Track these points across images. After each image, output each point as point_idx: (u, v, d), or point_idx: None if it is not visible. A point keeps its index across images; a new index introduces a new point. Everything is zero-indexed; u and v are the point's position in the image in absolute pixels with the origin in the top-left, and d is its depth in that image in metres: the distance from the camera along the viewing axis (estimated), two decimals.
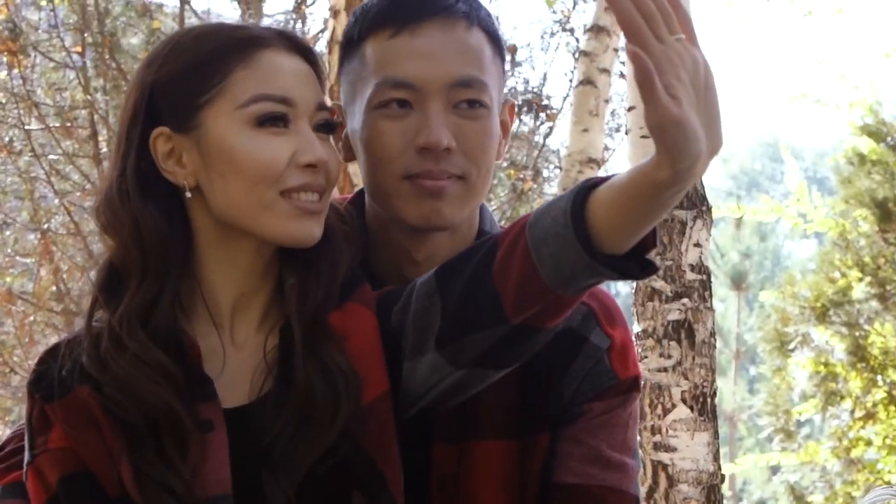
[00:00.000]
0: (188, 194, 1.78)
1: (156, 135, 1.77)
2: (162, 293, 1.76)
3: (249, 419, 1.76)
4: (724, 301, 23.77)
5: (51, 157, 9.40)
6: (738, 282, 22.46)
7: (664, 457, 3.77)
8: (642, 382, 2.16)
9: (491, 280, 1.66)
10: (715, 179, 41.75)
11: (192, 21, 9.60)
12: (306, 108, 1.78)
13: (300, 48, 1.83)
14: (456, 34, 1.92)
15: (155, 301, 1.75)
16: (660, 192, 1.52)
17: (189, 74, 1.77)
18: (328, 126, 1.82)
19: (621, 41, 7.32)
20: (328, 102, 1.84)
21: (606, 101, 7.55)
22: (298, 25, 10.10)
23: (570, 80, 9.17)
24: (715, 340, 3.82)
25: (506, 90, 2.10)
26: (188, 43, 1.79)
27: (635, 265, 1.60)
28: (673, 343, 3.79)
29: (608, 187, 1.56)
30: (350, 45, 1.98)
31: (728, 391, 21.32)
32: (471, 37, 1.93)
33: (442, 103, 1.90)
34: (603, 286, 1.78)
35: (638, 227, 1.57)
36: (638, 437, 3.75)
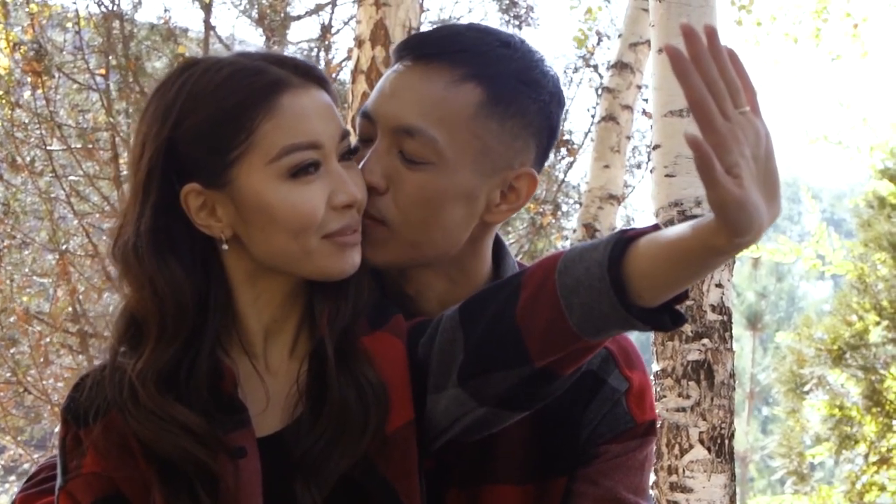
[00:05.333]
0: (225, 246, 1.78)
1: (186, 191, 1.76)
2: (189, 347, 1.76)
3: (284, 443, 1.77)
4: (738, 341, 23.67)
5: (71, 178, 9.42)
6: (753, 322, 22.38)
7: (680, 497, 3.74)
8: (659, 424, 2.15)
9: (514, 322, 1.66)
10: None
11: (216, 47, 9.64)
12: (332, 144, 1.77)
13: (315, 77, 1.81)
14: (432, 84, 1.87)
15: (176, 361, 1.75)
16: (713, 256, 1.51)
17: (213, 131, 1.74)
18: (351, 152, 1.83)
19: (645, 78, 7.33)
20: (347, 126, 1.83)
21: (628, 138, 7.56)
22: (322, 54, 10.13)
23: (593, 116, 9.18)
24: (734, 382, 3.79)
25: None
26: (207, 95, 1.74)
27: (667, 317, 1.60)
28: (692, 383, 3.76)
29: (652, 243, 1.55)
30: None
31: (741, 431, 21.21)
32: (452, 90, 1.86)
33: (387, 144, 1.88)
34: None
35: (679, 286, 1.56)
36: (654, 478, 3.71)
